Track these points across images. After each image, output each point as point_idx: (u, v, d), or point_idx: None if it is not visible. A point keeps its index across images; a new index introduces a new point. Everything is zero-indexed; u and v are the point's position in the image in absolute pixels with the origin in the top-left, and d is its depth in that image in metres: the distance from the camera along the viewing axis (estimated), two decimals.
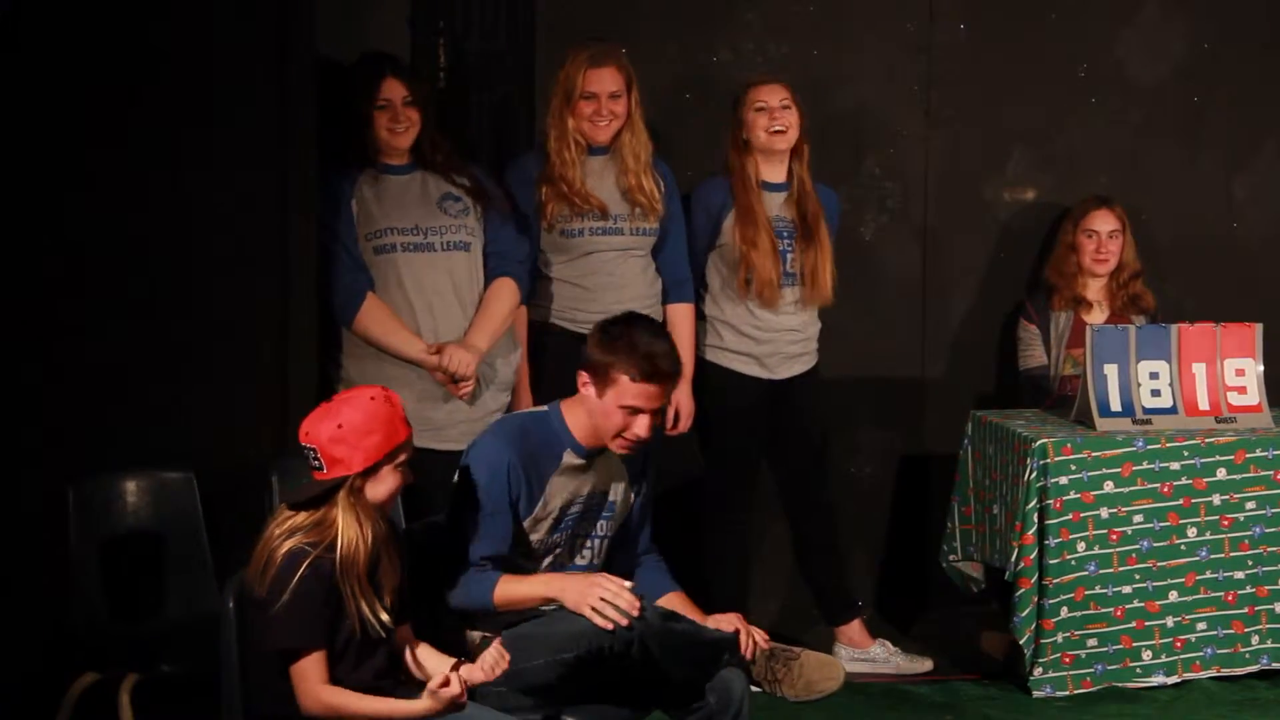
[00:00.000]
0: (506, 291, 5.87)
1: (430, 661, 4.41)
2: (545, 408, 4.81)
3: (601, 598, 4.49)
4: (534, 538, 4.72)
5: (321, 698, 4.23)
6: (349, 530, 4.26)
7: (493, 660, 4.28)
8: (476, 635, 4.65)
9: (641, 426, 4.66)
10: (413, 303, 5.74)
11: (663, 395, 4.68)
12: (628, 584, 4.54)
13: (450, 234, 5.80)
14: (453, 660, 4.35)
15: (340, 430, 4.27)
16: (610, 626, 4.47)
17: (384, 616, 4.28)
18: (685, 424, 6.18)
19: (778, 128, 6.22)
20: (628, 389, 4.63)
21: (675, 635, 4.59)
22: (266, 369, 5.45)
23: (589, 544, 4.82)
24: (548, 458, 4.70)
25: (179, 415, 5.32)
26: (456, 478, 4.68)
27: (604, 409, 4.67)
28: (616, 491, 4.84)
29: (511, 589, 4.62)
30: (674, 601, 4.83)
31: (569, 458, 4.72)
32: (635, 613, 4.49)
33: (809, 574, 6.52)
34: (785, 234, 6.27)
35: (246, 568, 4.29)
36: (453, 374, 5.69)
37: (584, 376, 4.71)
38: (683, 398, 6.17)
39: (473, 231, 5.83)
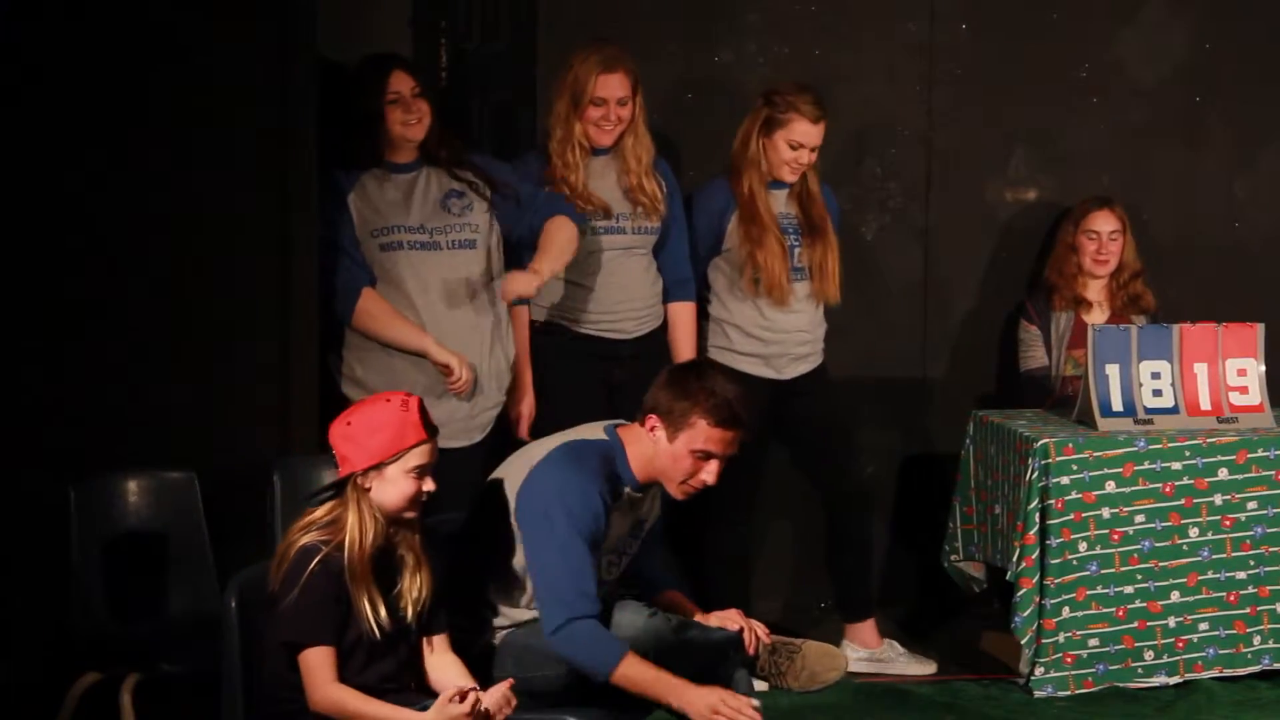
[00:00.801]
0: (558, 223, 5.87)
1: (448, 677, 4.40)
2: (606, 438, 4.71)
3: (721, 711, 4.46)
4: None
5: (330, 694, 4.23)
6: (353, 529, 4.27)
7: (498, 702, 4.27)
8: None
9: (710, 473, 4.63)
10: (418, 301, 5.74)
11: (737, 442, 4.64)
12: (754, 702, 4.51)
13: (455, 232, 5.80)
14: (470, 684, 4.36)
15: (349, 428, 4.31)
16: None
17: (384, 616, 4.28)
18: None
19: (799, 168, 6.21)
20: (703, 433, 4.59)
21: (683, 641, 4.59)
22: (267, 369, 5.45)
23: (620, 562, 4.81)
24: (614, 493, 4.67)
25: (180, 415, 5.32)
26: (545, 507, 4.56)
27: (674, 453, 4.62)
28: (652, 516, 4.85)
29: (634, 675, 4.50)
30: (671, 600, 4.83)
31: (627, 493, 4.70)
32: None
33: (835, 566, 6.50)
34: (791, 230, 6.26)
35: (254, 571, 4.30)
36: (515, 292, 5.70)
37: (653, 420, 4.65)
38: None
39: (477, 229, 5.83)
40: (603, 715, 4.60)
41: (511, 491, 4.64)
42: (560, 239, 5.85)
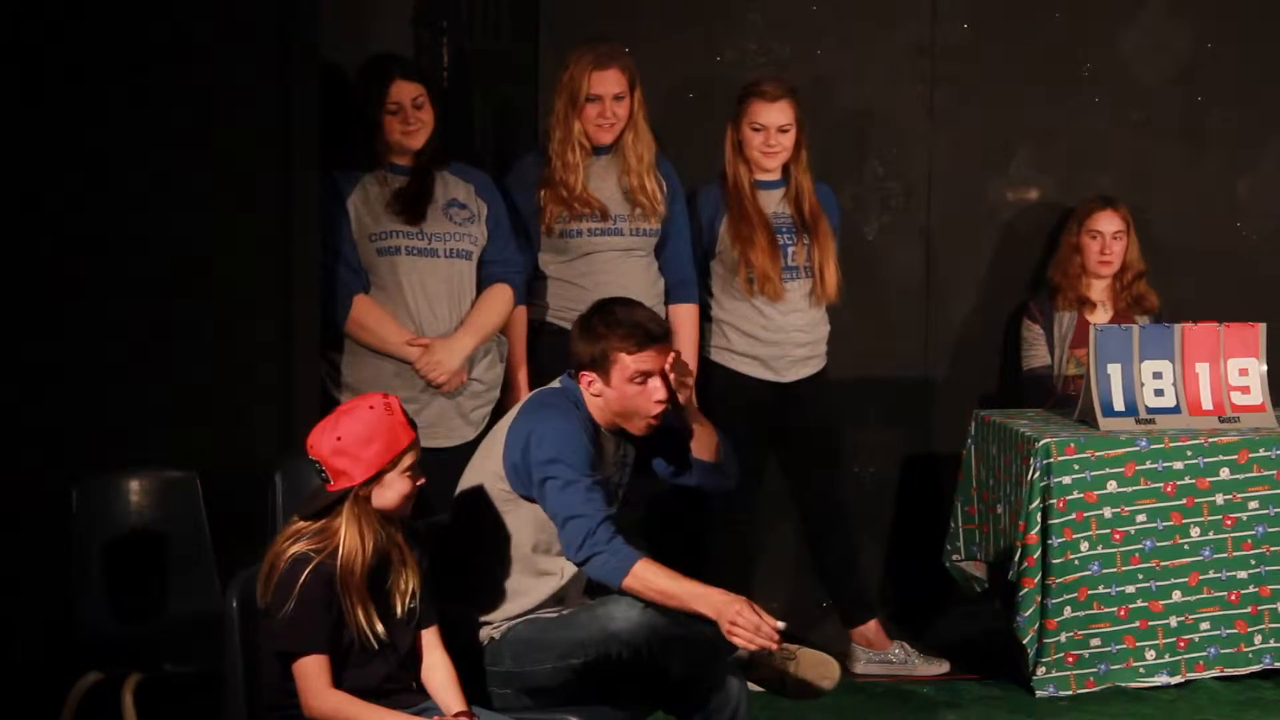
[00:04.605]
0: (504, 297, 5.89)
1: (439, 682, 4.41)
2: (562, 385, 4.82)
3: (737, 622, 4.46)
4: None
5: (325, 701, 4.23)
6: (350, 540, 4.27)
7: None
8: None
9: (657, 389, 4.72)
10: (410, 305, 5.75)
11: (662, 355, 4.74)
12: (778, 625, 4.50)
13: (453, 241, 5.81)
14: (460, 708, 4.37)
15: (340, 442, 4.29)
16: (750, 647, 4.47)
17: (379, 628, 4.29)
18: None
19: (770, 150, 6.22)
20: (629, 362, 4.70)
21: (680, 643, 4.59)
22: (269, 368, 5.45)
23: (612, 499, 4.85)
24: (591, 426, 4.75)
25: (182, 414, 5.32)
26: (535, 460, 4.64)
27: (619, 394, 4.73)
28: (625, 474, 4.90)
29: (649, 580, 4.55)
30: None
31: (602, 431, 4.78)
32: (774, 645, 4.48)
33: (823, 576, 6.52)
34: (785, 229, 6.27)
35: (255, 571, 4.30)
36: (427, 378, 5.70)
37: (585, 376, 4.75)
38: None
39: (475, 241, 5.84)
40: (605, 715, 4.61)
41: (496, 470, 4.70)
42: (490, 315, 5.86)
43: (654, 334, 4.75)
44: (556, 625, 4.63)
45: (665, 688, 4.65)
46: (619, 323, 4.73)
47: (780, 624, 4.50)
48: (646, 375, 4.71)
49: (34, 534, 5.11)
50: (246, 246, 5.43)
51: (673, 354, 4.82)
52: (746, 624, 4.45)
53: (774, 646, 4.48)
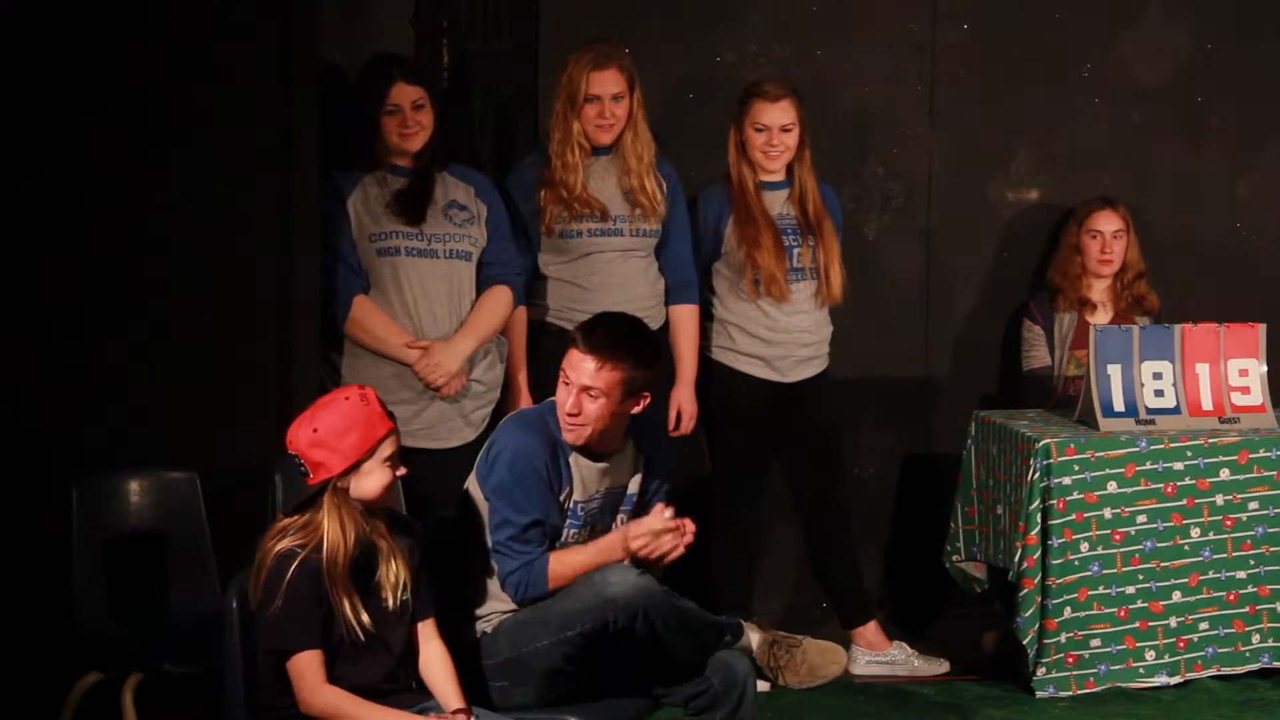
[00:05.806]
0: (503, 299, 5.88)
1: (436, 676, 4.41)
2: (543, 405, 4.84)
3: (637, 539, 4.59)
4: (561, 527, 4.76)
5: (322, 698, 4.24)
6: (332, 532, 4.29)
7: None
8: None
9: (566, 399, 4.69)
10: (409, 306, 5.74)
11: (588, 367, 4.65)
12: (661, 519, 4.59)
13: (454, 242, 5.81)
14: (458, 705, 4.37)
15: (316, 434, 4.31)
16: (658, 551, 4.59)
17: (365, 618, 4.29)
18: (687, 425, 6.18)
19: (773, 151, 6.23)
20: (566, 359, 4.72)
21: (678, 614, 4.59)
22: (269, 368, 5.45)
23: (589, 535, 4.83)
24: (554, 447, 4.73)
25: (181, 414, 5.32)
26: (492, 472, 4.68)
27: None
28: (634, 484, 4.85)
29: (564, 568, 4.64)
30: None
31: (575, 455, 4.74)
32: (678, 533, 4.60)
33: (823, 577, 6.52)
34: (790, 230, 6.27)
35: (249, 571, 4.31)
36: (426, 381, 5.70)
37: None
38: (684, 399, 6.18)
39: (475, 242, 5.84)
40: (605, 713, 4.61)
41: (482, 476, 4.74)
42: (489, 317, 5.85)
43: (579, 339, 4.70)
44: (553, 601, 4.63)
45: (666, 665, 4.64)
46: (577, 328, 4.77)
47: (668, 511, 4.61)
48: (566, 374, 4.69)
49: (34, 534, 5.11)
50: (246, 246, 5.43)
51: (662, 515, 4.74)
52: (644, 533, 4.58)
53: (679, 537, 4.59)
